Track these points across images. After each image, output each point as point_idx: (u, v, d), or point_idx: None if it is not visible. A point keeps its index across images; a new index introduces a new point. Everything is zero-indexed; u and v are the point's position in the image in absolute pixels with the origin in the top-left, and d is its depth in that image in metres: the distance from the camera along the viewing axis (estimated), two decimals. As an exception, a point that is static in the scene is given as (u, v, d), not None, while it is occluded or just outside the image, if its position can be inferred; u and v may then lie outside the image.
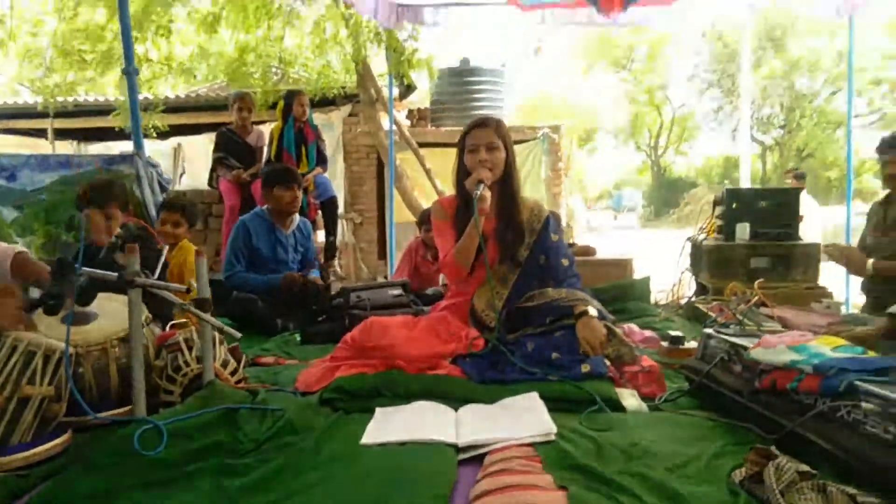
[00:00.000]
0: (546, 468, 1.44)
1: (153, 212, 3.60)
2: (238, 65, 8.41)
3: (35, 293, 1.86)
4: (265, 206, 3.85)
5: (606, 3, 3.95)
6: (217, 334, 1.93)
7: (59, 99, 8.72)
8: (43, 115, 9.03)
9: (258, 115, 6.49)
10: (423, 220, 4.64)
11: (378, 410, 1.82)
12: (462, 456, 1.54)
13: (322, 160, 5.60)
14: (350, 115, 9.16)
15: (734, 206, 3.95)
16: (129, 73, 3.76)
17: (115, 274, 1.62)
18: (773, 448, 1.38)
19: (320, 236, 5.33)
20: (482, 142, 2.41)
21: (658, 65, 31.21)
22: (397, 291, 3.24)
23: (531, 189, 8.71)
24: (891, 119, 23.48)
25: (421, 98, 11.27)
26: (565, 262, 2.49)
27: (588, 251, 4.50)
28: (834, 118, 24.72)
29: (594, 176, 39.58)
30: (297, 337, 3.11)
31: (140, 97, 4.44)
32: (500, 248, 2.46)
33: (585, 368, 2.06)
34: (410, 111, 10.42)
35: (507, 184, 2.48)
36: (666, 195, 32.24)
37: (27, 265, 1.96)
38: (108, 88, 11.60)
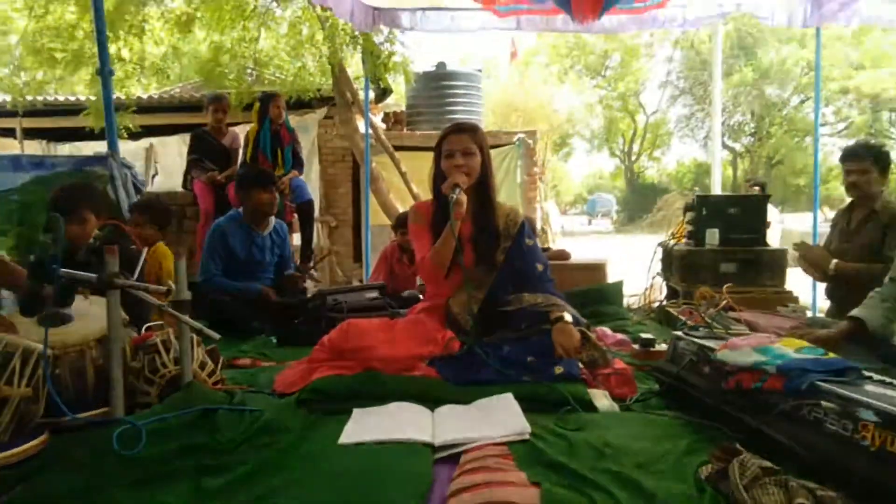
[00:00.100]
0: (520, 466, 1.47)
1: (127, 213, 3.58)
2: (212, 66, 8.36)
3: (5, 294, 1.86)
4: (240, 209, 3.84)
5: (580, 10, 4.01)
6: (195, 336, 1.94)
7: (29, 98, 8.58)
8: (11, 113, 8.88)
9: (233, 116, 6.46)
10: (399, 223, 4.67)
11: (355, 411, 1.84)
12: (438, 455, 1.57)
13: (298, 163, 5.59)
14: (325, 117, 9.15)
15: (704, 212, 4.05)
16: (104, 75, 3.73)
17: (94, 275, 1.63)
18: (737, 445, 1.43)
19: (296, 239, 5.32)
20: (459, 147, 2.44)
21: (631, 71, 31.61)
22: (374, 294, 3.26)
23: (507, 193, 8.77)
24: (858, 127, 24.04)
25: (397, 101, 11.29)
26: (540, 266, 2.54)
27: (563, 255, 4.56)
28: (803, 126, 25.25)
29: (569, 181, 39.92)
30: (274, 339, 3.12)
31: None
32: (476, 252, 2.49)
33: (559, 370, 2.11)
34: (386, 114, 10.44)
35: (483, 189, 2.51)
36: (639, 200, 32.61)
37: (3, 268, 1.95)
38: (78, 87, 11.46)
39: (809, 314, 3.61)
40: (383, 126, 9.63)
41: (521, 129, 10.89)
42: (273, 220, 3.88)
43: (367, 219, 6.44)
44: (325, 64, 8.34)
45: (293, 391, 2.07)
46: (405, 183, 8.20)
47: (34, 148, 9.08)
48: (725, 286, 3.17)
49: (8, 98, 8.81)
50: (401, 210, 6.44)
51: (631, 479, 1.39)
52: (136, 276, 1.89)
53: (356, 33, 7.12)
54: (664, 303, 3.83)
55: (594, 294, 3.69)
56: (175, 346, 1.89)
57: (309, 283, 4.53)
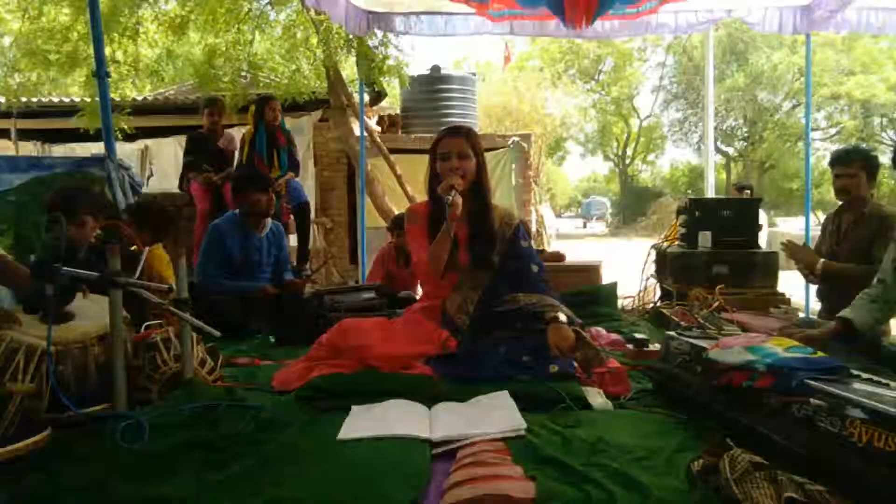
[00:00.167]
0: (516, 460, 1.51)
1: (124, 215, 3.59)
2: (207, 68, 8.38)
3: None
4: (237, 210, 3.87)
5: (573, 16, 4.05)
6: (195, 334, 1.97)
7: (23, 99, 8.58)
8: (6, 115, 8.87)
9: (228, 118, 6.49)
10: (395, 225, 4.70)
11: (354, 408, 1.87)
12: (436, 451, 1.60)
13: (294, 165, 5.64)
14: (320, 120, 9.18)
15: (697, 214, 4.09)
16: (101, 77, 3.75)
17: (97, 274, 1.65)
18: (728, 441, 1.46)
19: (292, 241, 5.35)
20: (454, 150, 2.48)
21: (625, 76, 31.77)
22: (370, 295, 3.29)
23: (501, 196, 8.82)
24: (849, 132, 24.22)
25: (391, 104, 11.33)
26: (535, 267, 2.58)
27: (557, 257, 4.60)
28: (795, 130, 25.40)
29: (563, 184, 40.04)
30: (272, 339, 3.14)
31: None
32: (471, 253, 2.53)
33: (554, 369, 2.15)
34: (381, 117, 10.47)
35: (478, 191, 2.55)
36: (634, 204, 32.74)
37: (5, 267, 1.97)
38: (72, 89, 11.44)
39: (802, 315, 3.64)
40: (378, 129, 9.66)
41: (515, 132, 10.93)
42: (270, 221, 3.91)
43: (363, 221, 6.47)
44: (319, 67, 8.37)
45: (292, 389, 2.10)
46: (400, 185, 8.23)
47: (28, 149, 9.07)
48: (717, 287, 3.21)
49: (2, 99, 8.80)
50: (396, 212, 6.47)
51: (624, 474, 1.42)
52: (137, 275, 1.91)
53: (350, 37, 7.15)
54: (658, 304, 3.87)
55: (588, 295, 3.72)
56: (175, 344, 1.92)
57: (306, 285, 4.55)
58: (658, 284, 4.37)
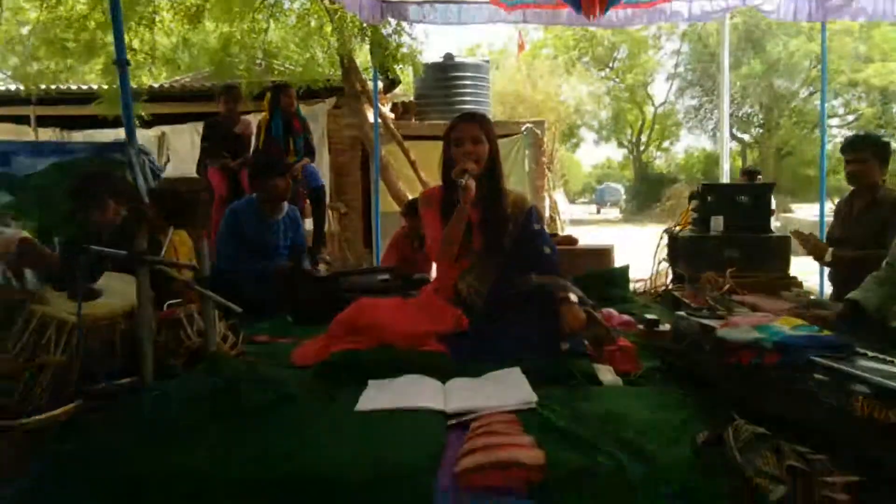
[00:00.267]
0: (527, 431, 1.56)
1: (146, 199, 3.67)
2: (222, 56, 8.45)
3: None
4: (254, 195, 3.94)
5: (587, 5, 4.06)
6: (216, 311, 2.04)
7: (42, 86, 8.70)
8: (25, 101, 9.00)
9: (244, 105, 6.58)
10: (409, 209, 4.75)
11: (370, 382, 1.93)
12: (450, 422, 1.66)
13: (309, 151, 5.71)
14: (335, 107, 9.24)
15: (709, 200, 4.11)
16: (121, 64, 3.82)
17: (125, 252, 1.72)
18: (733, 413, 1.51)
19: (307, 224, 5.43)
20: (467, 135, 2.53)
21: (639, 63, 31.54)
22: (385, 276, 3.35)
23: (515, 183, 8.84)
24: (867, 119, 23.94)
25: (405, 92, 11.36)
26: (547, 249, 2.62)
27: (570, 241, 4.64)
28: (812, 118, 25.14)
29: (577, 171, 39.90)
30: (290, 318, 3.21)
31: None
32: (484, 236, 2.58)
33: (565, 347, 2.20)
34: (395, 105, 10.51)
35: (491, 176, 2.59)
36: (648, 190, 32.54)
37: (32, 250, 2.04)
38: (89, 77, 11.56)
39: (813, 298, 3.67)
40: (392, 116, 9.70)
41: (528, 119, 10.94)
42: (286, 205, 3.98)
43: (377, 206, 6.54)
44: (333, 55, 8.42)
45: (310, 364, 2.17)
46: (414, 171, 8.28)
47: (48, 136, 9.20)
48: (729, 270, 3.24)
49: (21, 87, 8.93)
50: (410, 197, 6.53)
51: (632, 444, 1.47)
52: (162, 254, 1.98)
53: (364, 25, 7.18)
54: (670, 287, 3.90)
55: (600, 278, 3.76)
56: (198, 321, 1.99)
57: (322, 267, 4.63)
58: (670, 268, 4.40)
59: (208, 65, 9.30)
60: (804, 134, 26.06)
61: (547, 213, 9.69)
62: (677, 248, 4.25)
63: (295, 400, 1.75)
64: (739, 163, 28.17)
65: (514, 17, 5.32)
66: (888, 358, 1.69)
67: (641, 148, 36.05)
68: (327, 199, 6.49)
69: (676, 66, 30.57)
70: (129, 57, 7.93)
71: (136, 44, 8.46)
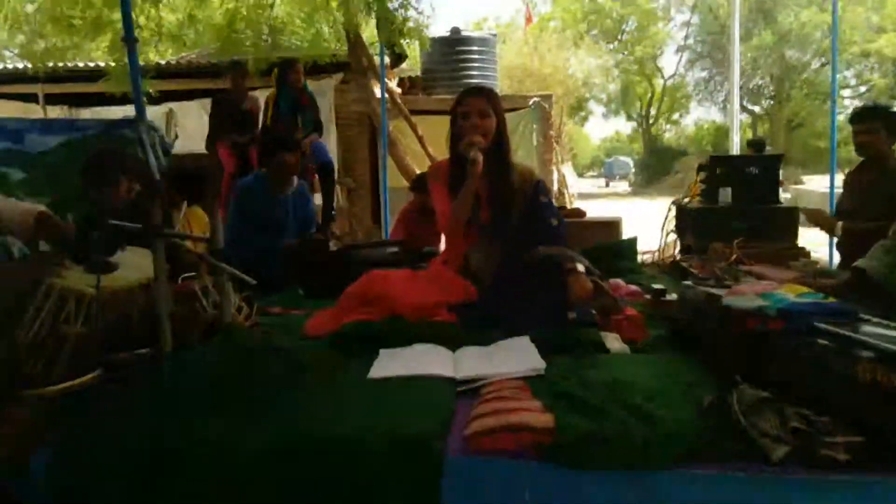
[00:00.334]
0: (535, 396, 1.60)
1: (156, 174, 3.71)
2: (228, 32, 8.43)
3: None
4: (264, 170, 3.96)
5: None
6: (230, 283, 2.08)
7: (49, 64, 8.71)
8: (33, 80, 9.03)
9: (251, 81, 6.58)
10: (417, 184, 4.77)
11: (382, 351, 1.97)
12: (460, 389, 1.70)
13: (317, 126, 5.73)
14: (342, 82, 9.21)
15: (718, 171, 4.11)
16: (130, 42, 3.84)
17: (140, 226, 1.76)
18: (737, 377, 1.54)
19: (316, 200, 5.46)
20: (474, 109, 2.54)
21: (648, 35, 31.19)
22: (395, 249, 3.39)
23: (523, 157, 8.83)
24: (879, 90, 23.65)
25: (412, 66, 11.30)
26: (554, 221, 2.64)
27: (578, 213, 4.65)
28: (823, 89, 24.83)
29: (586, 144, 39.65)
30: (301, 291, 3.25)
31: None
32: (492, 209, 2.60)
33: (572, 317, 2.24)
34: (402, 79, 10.46)
35: (498, 149, 2.61)
36: (657, 163, 32.37)
37: (49, 223, 2.08)
38: (96, 54, 11.54)
39: (819, 267, 3.68)
40: (399, 90, 9.67)
41: (536, 93, 10.87)
42: (296, 180, 4.00)
43: (385, 181, 6.55)
44: (339, 30, 8.38)
45: (322, 335, 2.21)
46: (422, 146, 8.27)
47: (56, 113, 9.24)
48: (736, 241, 3.26)
49: (29, 65, 8.94)
50: (418, 172, 6.54)
51: (638, 408, 1.50)
52: (176, 229, 2.01)
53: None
54: (678, 258, 3.92)
55: (608, 250, 3.77)
56: (213, 293, 2.03)
57: (332, 243, 4.67)
58: (678, 240, 4.41)
59: (214, 41, 9.29)
60: (816, 105, 25.80)
61: (555, 188, 9.67)
62: (685, 220, 4.26)
63: (309, 369, 1.79)
64: (750, 135, 27.94)
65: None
66: (892, 324, 1.72)
67: (651, 121, 35.77)
68: (335, 175, 6.52)
69: (686, 37, 30.23)
70: (135, 33, 7.96)
71: (141, 20, 8.44)
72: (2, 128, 3.79)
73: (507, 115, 2.72)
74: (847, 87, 25.20)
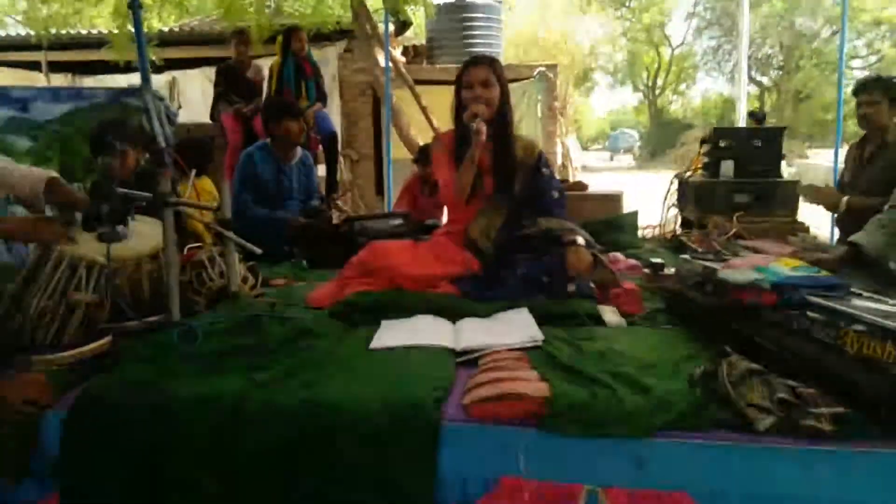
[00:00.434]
0: (532, 367, 1.65)
1: (162, 143, 3.73)
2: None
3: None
4: (268, 139, 3.98)
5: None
6: (236, 253, 2.12)
7: (53, 31, 8.67)
8: (36, 47, 8.99)
9: (254, 49, 6.55)
10: (421, 156, 4.78)
11: (384, 322, 2.03)
12: (459, 360, 1.75)
13: (321, 96, 5.72)
14: (345, 50, 9.15)
15: (720, 144, 4.12)
16: (135, 8, 3.82)
17: (150, 195, 1.80)
18: (727, 348, 1.59)
19: (320, 171, 5.48)
20: (478, 78, 2.55)
21: (656, 2, 30.74)
22: (398, 221, 3.43)
23: (527, 128, 8.78)
24: (890, 60, 23.34)
25: (416, 34, 11.19)
26: (556, 194, 2.68)
27: (580, 186, 4.67)
28: (832, 59, 24.50)
29: (591, 116, 39.32)
30: (304, 263, 3.30)
31: (132, 31, 4.50)
32: (495, 180, 2.63)
33: (571, 289, 2.28)
34: (406, 48, 10.37)
35: (501, 120, 2.62)
36: (663, 136, 32.13)
37: (60, 189, 2.11)
38: (97, 20, 11.47)
39: (816, 241, 3.71)
40: (403, 59, 9.60)
41: (541, 63, 10.78)
42: (300, 150, 4.03)
43: (389, 152, 6.55)
44: (344, -4, 8.30)
45: (326, 306, 2.26)
46: (426, 117, 8.23)
47: (59, 81, 9.21)
48: (736, 215, 3.28)
49: (32, 32, 8.90)
50: (421, 144, 6.54)
51: (631, 378, 1.55)
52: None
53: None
54: (678, 232, 3.95)
55: (609, 224, 3.80)
56: (219, 262, 2.07)
57: (335, 214, 4.71)
58: (679, 214, 4.43)
59: (217, 7, 9.20)
60: (824, 76, 25.48)
61: (559, 161, 9.64)
62: (687, 194, 4.28)
63: (312, 337, 1.84)
64: (757, 107, 27.68)
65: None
66: (882, 297, 1.76)
67: (657, 92, 35.42)
68: (339, 146, 6.52)
69: (696, 4, 29.80)
70: (139, -1, 7.90)
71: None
72: (8, 96, 3.82)
73: (512, 86, 2.73)
74: (856, 56, 24.89)
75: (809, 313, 1.64)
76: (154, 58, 7.79)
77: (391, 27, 7.89)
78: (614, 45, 31.94)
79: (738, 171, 4.03)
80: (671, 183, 4.45)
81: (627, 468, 1.36)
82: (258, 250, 1.92)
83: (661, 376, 1.60)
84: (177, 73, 9.18)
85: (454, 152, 2.63)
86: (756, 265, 1.96)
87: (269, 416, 1.45)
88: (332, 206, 4.79)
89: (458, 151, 2.59)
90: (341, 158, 7.39)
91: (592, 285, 2.36)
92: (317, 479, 1.39)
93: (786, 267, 1.91)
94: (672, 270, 2.70)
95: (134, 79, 7.17)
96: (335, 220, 3.99)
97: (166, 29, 9.70)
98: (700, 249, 2.98)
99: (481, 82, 2.54)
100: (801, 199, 3.85)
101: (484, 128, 2.47)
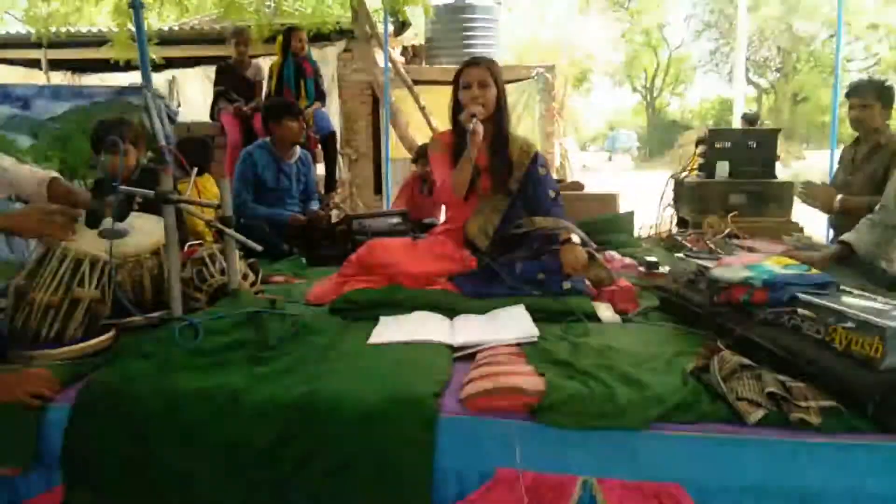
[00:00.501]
0: (528, 362, 1.68)
1: (163, 142, 3.76)
2: (231, -1, 8.38)
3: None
4: (268, 138, 4.02)
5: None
6: (237, 250, 2.15)
7: (53, 29, 8.68)
8: (35, 45, 9.00)
9: (254, 49, 6.58)
10: (419, 155, 4.81)
11: (382, 318, 2.06)
12: (456, 355, 1.78)
13: (320, 95, 5.75)
14: (344, 50, 9.17)
15: (716, 145, 4.16)
16: (136, 7, 3.86)
17: (151, 192, 1.82)
18: (719, 344, 1.62)
19: (319, 170, 5.51)
20: (475, 79, 2.58)
21: (656, 4, 30.79)
22: (397, 220, 3.46)
23: (525, 129, 8.80)
24: (887, 63, 23.41)
25: (415, 35, 11.21)
26: (552, 193, 2.70)
27: (576, 186, 4.70)
28: (830, 61, 24.51)
29: (589, 117, 39.32)
30: (304, 260, 3.33)
31: (132, 29, 4.52)
32: (492, 179, 2.66)
33: (567, 286, 2.31)
34: (405, 48, 10.40)
35: (498, 120, 2.65)
36: (661, 137, 32.17)
37: (62, 189, 2.14)
38: (96, 19, 11.46)
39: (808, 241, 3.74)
40: (402, 60, 9.62)
41: (539, 64, 10.81)
42: (299, 149, 4.06)
43: (388, 152, 6.57)
44: (343, -4, 8.32)
45: (325, 302, 2.29)
46: (424, 117, 8.26)
47: (59, 79, 9.22)
48: (730, 215, 3.31)
49: (32, 30, 8.91)
50: (420, 143, 6.56)
51: (626, 373, 1.58)
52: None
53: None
54: (673, 232, 3.98)
55: (605, 223, 3.83)
56: (220, 259, 2.10)
57: (334, 213, 4.74)
58: (675, 214, 4.47)
59: (217, 6, 9.22)
60: (822, 79, 25.54)
61: (557, 161, 9.67)
62: (682, 194, 4.31)
63: (311, 333, 1.87)
64: (755, 109, 27.74)
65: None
66: (870, 295, 1.79)
67: (655, 93, 35.47)
68: (338, 145, 6.55)
69: (694, 6, 29.88)
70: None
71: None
72: (9, 94, 3.85)
73: (510, 87, 2.77)
74: (854, 59, 24.94)
75: (799, 310, 1.68)
76: (154, 56, 7.81)
77: (390, 27, 7.92)
78: (612, 46, 32.00)
79: (733, 172, 4.07)
80: (667, 183, 4.49)
81: (621, 460, 1.39)
82: (258, 248, 1.95)
83: (655, 371, 1.63)
84: (176, 72, 9.19)
85: (452, 152, 2.66)
86: (748, 263, 1.99)
87: (269, 410, 1.47)
88: (331, 204, 4.81)
89: (456, 151, 2.62)
90: (340, 157, 7.42)
91: (588, 283, 2.39)
92: (315, 471, 1.42)
93: (777, 265, 1.95)
94: (666, 269, 2.74)
95: (134, 77, 7.19)
96: (334, 219, 4.02)
97: (166, 28, 9.71)
98: (695, 249, 3.01)
99: (479, 83, 2.57)
100: (795, 198, 3.89)
101: (481, 128, 2.50)
